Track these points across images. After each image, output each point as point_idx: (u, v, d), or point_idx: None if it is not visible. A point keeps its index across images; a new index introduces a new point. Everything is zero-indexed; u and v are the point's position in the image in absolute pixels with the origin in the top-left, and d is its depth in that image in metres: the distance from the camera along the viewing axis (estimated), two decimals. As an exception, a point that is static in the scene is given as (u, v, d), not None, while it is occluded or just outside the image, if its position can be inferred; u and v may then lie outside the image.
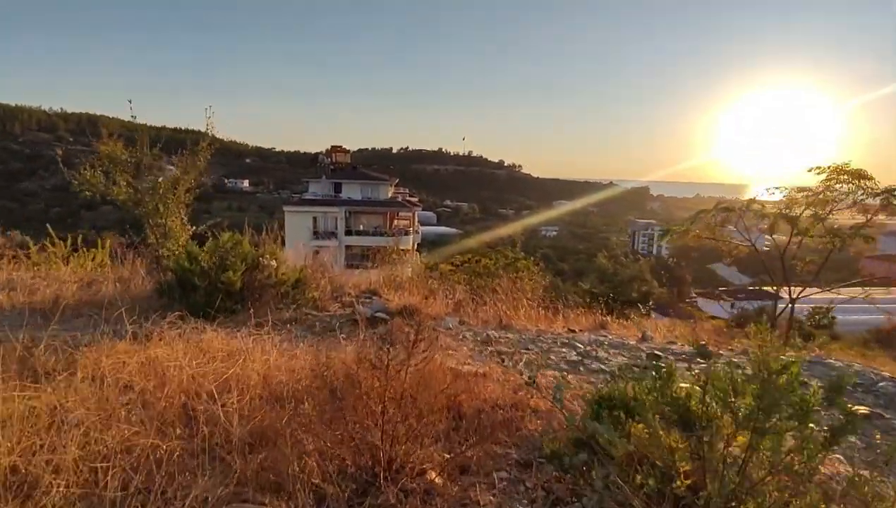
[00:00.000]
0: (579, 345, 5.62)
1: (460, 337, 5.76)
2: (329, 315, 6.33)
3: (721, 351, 6.01)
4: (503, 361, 4.49)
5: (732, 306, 49.21)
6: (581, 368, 4.97)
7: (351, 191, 38.98)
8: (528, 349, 5.50)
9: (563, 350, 5.50)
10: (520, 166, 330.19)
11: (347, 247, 37.81)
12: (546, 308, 7.69)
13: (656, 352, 5.33)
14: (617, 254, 25.07)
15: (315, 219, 37.17)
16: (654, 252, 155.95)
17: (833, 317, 37.73)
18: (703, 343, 4.60)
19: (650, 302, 30.90)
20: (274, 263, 6.23)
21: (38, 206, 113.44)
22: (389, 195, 40.11)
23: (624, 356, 5.50)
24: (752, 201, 7.07)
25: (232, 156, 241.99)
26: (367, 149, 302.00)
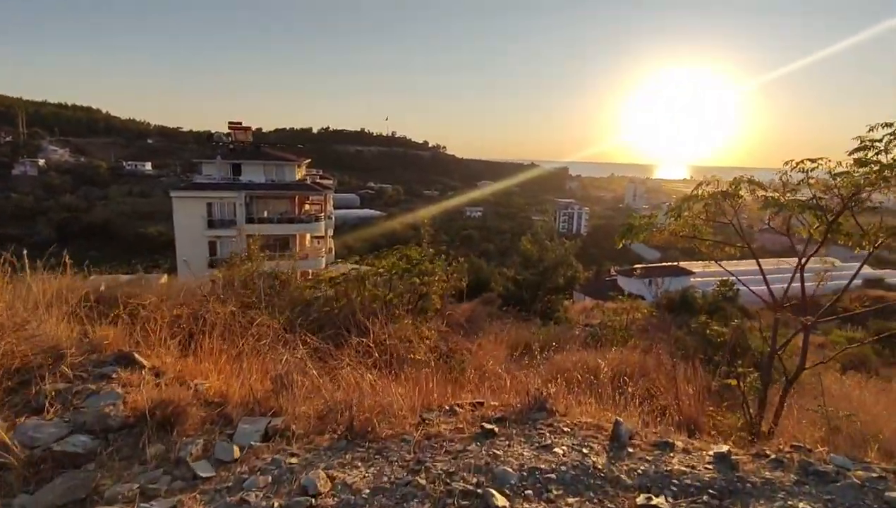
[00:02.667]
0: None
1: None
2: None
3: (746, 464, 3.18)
4: None
5: (650, 282, 51.27)
6: None
7: (253, 173, 35.17)
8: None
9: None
10: (444, 147, 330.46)
11: (250, 236, 34.22)
12: (447, 359, 5.68)
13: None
14: (541, 237, 24.15)
15: (210, 205, 33.15)
16: (575, 230, 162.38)
17: (737, 290, 39.89)
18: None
19: (576, 286, 30.79)
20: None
21: None
22: (299, 177, 36.83)
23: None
24: (753, 183, 5.56)
25: (132, 136, 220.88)
26: (284, 129, 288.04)
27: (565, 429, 3.55)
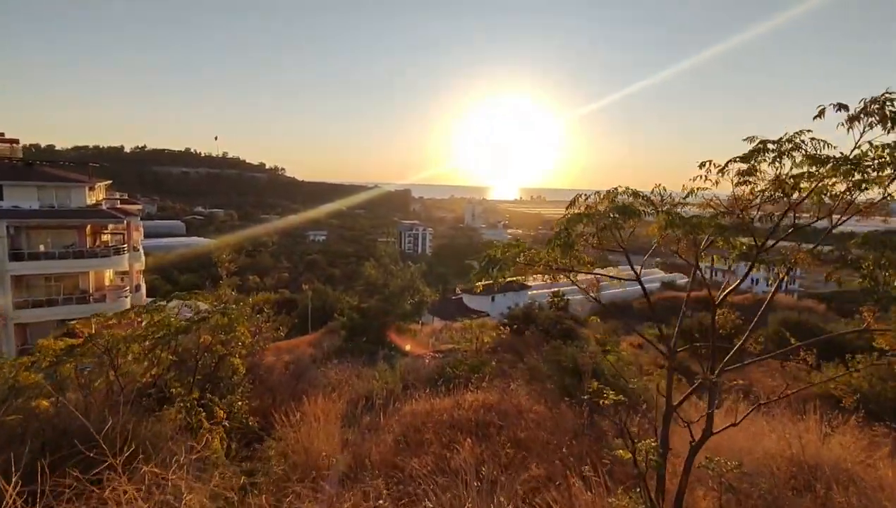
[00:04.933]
0: None
1: None
2: None
3: None
4: None
5: (493, 299, 53.21)
6: None
7: (21, 196, 27.39)
8: None
9: None
10: (283, 169, 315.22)
11: (18, 278, 26.76)
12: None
13: None
14: (386, 261, 22.75)
15: (-54, 240, 25.02)
16: (420, 250, 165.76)
17: (567, 300, 43.05)
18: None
19: (424, 312, 29.91)
20: None
21: None
22: (93, 202, 30.01)
23: None
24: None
25: None
26: (87, 147, 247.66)
27: None
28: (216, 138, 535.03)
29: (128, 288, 31.44)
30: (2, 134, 30.87)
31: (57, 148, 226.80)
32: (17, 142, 31.37)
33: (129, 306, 30.51)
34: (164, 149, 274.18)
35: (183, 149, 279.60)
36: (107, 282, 31.90)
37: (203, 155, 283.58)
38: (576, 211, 4.54)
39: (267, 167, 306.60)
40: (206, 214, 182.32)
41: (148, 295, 40.05)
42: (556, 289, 50.02)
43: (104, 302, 29.19)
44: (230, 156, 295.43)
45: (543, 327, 22.92)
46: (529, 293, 57.15)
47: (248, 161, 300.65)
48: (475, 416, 7.16)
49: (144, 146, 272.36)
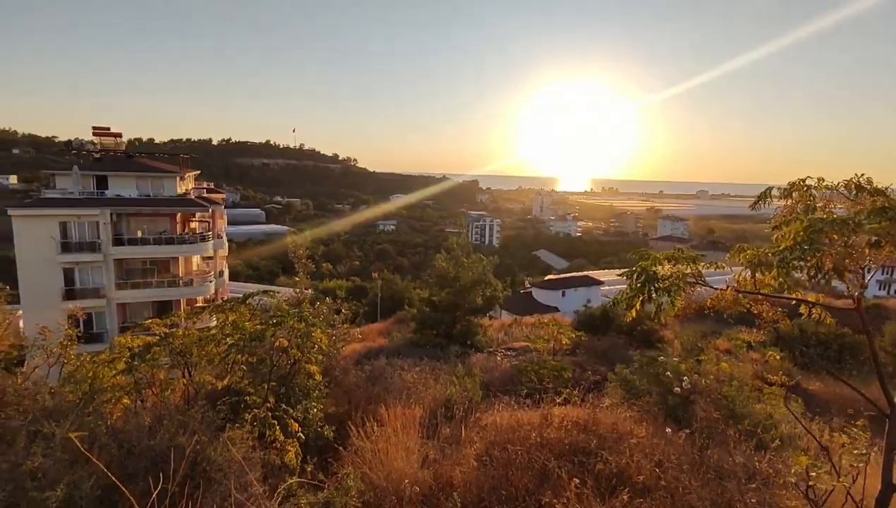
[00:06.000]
0: None
1: None
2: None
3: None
4: None
5: (563, 295, 51.49)
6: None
7: (123, 186, 29.76)
8: None
9: None
10: (355, 160, 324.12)
11: (119, 261, 28.90)
12: None
13: None
14: (457, 253, 22.16)
15: (64, 225, 27.38)
16: (487, 242, 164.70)
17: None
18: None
19: (495, 307, 29.16)
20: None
21: None
22: (182, 191, 31.96)
23: None
24: None
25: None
26: (181, 140, 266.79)
27: None
28: (293, 130, 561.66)
29: (212, 273, 33.18)
30: (108, 128, 33.51)
31: (156, 141, 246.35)
32: (120, 135, 33.97)
33: (212, 290, 32.21)
34: (247, 142, 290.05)
35: (264, 142, 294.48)
36: (194, 267, 33.86)
37: (282, 147, 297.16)
38: (820, 214, 3.34)
39: (340, 158, 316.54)
40: (283, 203, 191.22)
41: (230, 280, 42.29)
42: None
43: (191, 286, 31.00)
44: (307, 148, 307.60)
45: (624, 329, 21.46)
46: (602, 288, 54.77)
47: (322, 152, 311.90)
48: (567, 437, 6.36)
49: (230, 139, 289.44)
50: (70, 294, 27.77)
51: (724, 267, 4.08)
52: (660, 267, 3.52)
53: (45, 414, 3.73)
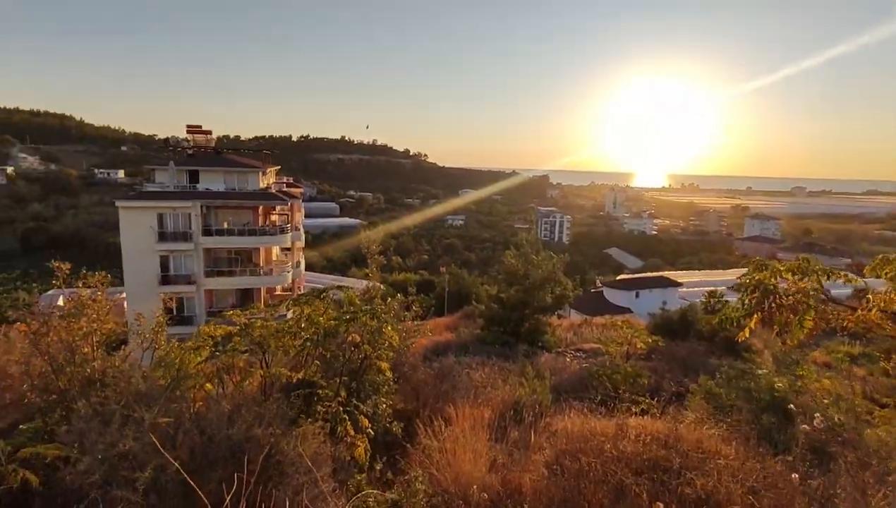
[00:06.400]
0: None
1: None
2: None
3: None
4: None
5: (637, 296, 49.28)
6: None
7: (211, 180, 32.14)
8: None
9: None
10: (425, 155, 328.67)
11: (207, 250, 31.17)
12: None
13: None
14: (527, 250, 21.74)
15: (161, 216, 30.01)
16: (557, 239, 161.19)
17: (726, 301, 37.72)
18: None
19: (565, 306, 28.43)
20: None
21: None
22: (265, 185, 33.91)
23: None
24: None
25: (106, 143, 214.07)
26: (263, 136, 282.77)
27: None
28: (367, 127, 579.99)
29: (290, 263, 34.92)
30: (199, 126, 36.20)
31: (242, 137, 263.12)
32: (210, 133, 36.62)
33: (290, 280, 33.88)
34: (324, 138, 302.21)
35: (339, 138, 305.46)
36: (273, 257, 35.80)
37: (356, 142, 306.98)
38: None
39: (411, 154, 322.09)
40: (356, 197, 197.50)
41: (306, 270, 44.32)
42: (710, 289, 44.40)
43: (271, 275, 32.82)
44: (379, 143, 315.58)
45: (705, 335, 20.10)
46: (680, 290, 51.79)
47: (394, 148, 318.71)
48: (646, 452, 5.95)
49: (308, 135, 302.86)
50: (165, 279, 30.32)
51: (846, 277, 3.55)
52: (781, 280, 3.08)
53: (138, 397, 4.00)
